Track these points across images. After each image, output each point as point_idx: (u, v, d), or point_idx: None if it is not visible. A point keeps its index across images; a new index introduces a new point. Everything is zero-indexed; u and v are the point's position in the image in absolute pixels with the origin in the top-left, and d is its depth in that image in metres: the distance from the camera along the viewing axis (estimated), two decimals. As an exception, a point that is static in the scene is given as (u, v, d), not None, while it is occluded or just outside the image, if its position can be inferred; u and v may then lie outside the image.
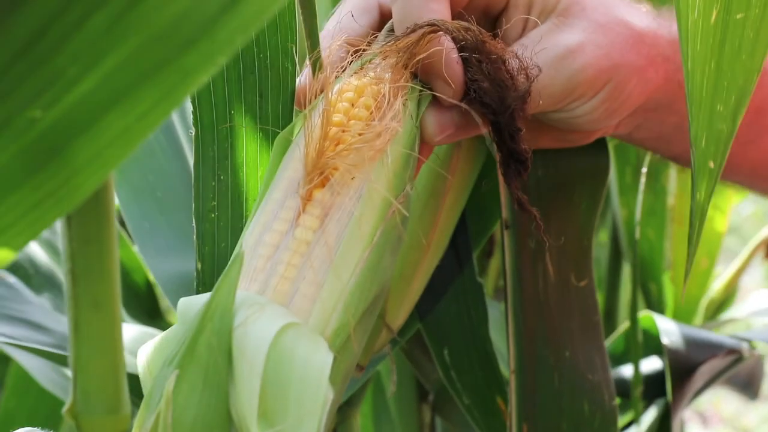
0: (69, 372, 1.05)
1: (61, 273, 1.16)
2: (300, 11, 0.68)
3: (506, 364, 0.94)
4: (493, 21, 0.78)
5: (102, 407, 0.58)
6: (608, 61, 0.73)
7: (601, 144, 0.92)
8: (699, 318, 1.66)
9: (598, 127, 0.79)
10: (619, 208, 1.46)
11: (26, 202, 0.38)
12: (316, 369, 0.57)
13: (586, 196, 0.91)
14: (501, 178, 0.86)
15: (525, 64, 0.70)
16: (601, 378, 0.91)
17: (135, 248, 1.25)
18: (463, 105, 0.69)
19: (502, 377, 0.96)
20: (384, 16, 0.75)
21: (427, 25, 0.67)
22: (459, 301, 0.94)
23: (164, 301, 1.31)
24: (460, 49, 0.69)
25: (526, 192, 0.84)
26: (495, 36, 0.71)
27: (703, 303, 1.66)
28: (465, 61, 0.69)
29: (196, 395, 0.56)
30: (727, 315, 1.67)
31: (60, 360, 0.98)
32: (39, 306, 1.02)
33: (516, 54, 0.71)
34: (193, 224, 0.72)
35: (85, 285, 0.57)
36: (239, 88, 0.70)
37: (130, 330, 1.06)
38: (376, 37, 0.72)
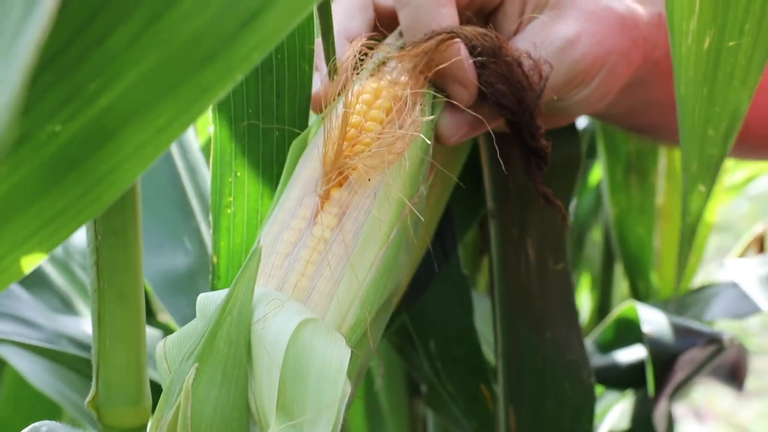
0: (64, 371, 1.02)
1: (53, 272, 1.13)
2: (316, 13, 0.67)
3: (493, 351, 0.93)
4: (486, 16, 0.78)
5: (124, 398, 0.57)
6: (601, 48, 0.73)
7: (573, 138, 0.94)
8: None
9: (591, 110, 0.80)
10: (610, 206, 1.45)
11: (46, 213, 0.38)
12: (334, 363, 0.57)
13: (562, 185, 0.92)
14: (486, 170, 0.86)
15: (538, 62, 0.69)
16: (579, 357, 0.91)
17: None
18: (478, 115, 0.69)
19: (487, 365, 0.94)
20: (380, 15, 0.74)
21: (446, 32, 0.66)
22: (445, 293, 0.92)
23: (156, 302, 1.27)
24: (477, 54, 0.68)
25: (508, 181, 0.86)
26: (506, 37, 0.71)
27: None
28: (482, 66, 0.68)
29: (215, 388, 0.56)
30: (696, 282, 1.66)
31: (51, 356, 0.96)
32: (30, 303, 0.99)
33: (529, 54, 0.70)
34: (210, 219, 0.72)
35: (110, 277, 0.55)
36: (257, 88, 0.69)
37: None
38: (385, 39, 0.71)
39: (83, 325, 1.01)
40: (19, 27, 0.30)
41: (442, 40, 0.66)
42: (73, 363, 0.97)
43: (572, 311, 0.92)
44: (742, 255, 1.69)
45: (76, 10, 0.36)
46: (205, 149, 1.10)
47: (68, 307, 1.11)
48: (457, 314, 0.92)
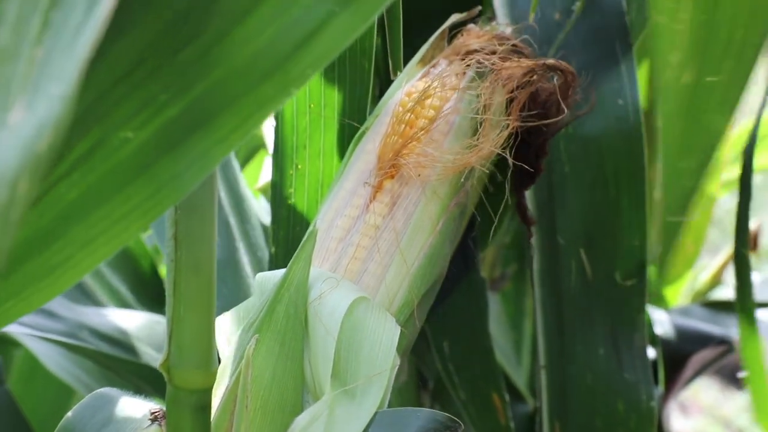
0: (79, 357, 0.97)
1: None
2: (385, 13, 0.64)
3: (505, 357, 0.86)
4: None
5: (194, 362, 0.55)
6: None
7: None
8: (684, 299, 1.58)
9: None
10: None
11: (114, 215, 0.37)
12: (386, 337, 0.56)
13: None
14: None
15: (572, 99, 0.67)
16: (639, 377, 0.79)
17: (143, 235, 1.19)
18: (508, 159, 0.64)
19: (500, 373, 0.85)
20: None
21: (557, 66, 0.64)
22: (462, 295, 0.83)
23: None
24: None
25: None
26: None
27: (688, 288, 1.59)
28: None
29: (273, 358, 0.56)
30: (716, 295, 1.59)
31: (69, 349, 0.93)
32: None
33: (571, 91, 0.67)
34: (270, 209, 0.70)
35: (187, 250, 0.53)
36: (319, 83, 0.68)
37: (138, 318, 1.01)
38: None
39: (104, 315, 0.99)
40: (78, 27, 0.29)
41: (546, 69, 0.64)
42: (89, 354, 0.93)
43: (639, 329, 0.80)
44: None
45: (152, 28, 0.35)
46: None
47: (86, 295, 1.08)
48: (473, 317, 0.84)
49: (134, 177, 0.36)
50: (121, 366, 0.93)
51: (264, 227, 0.92)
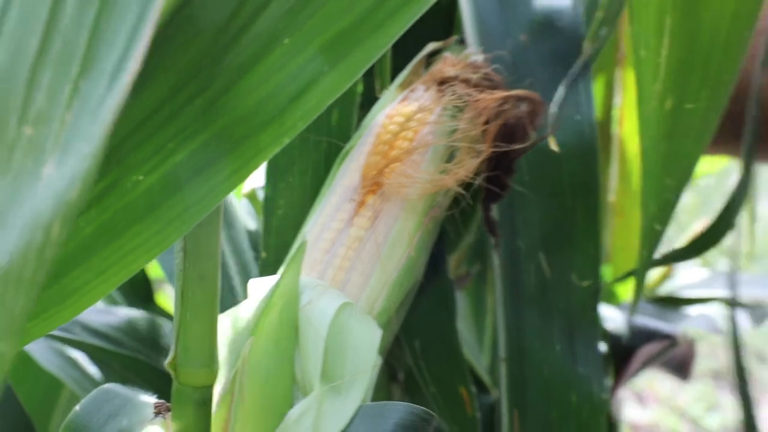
0: (71, 353, 1.00)
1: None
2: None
3: (471, 351, 0.88)
4: None
5: (198, 361, 0.58)
6: None
7: None
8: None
9: None
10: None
11: (124, 248, 0.40)
12: (368, 339, 0.59)
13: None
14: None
15: (537, 124, 0.70)
16: (592, 371, 0.83)
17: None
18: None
19: (466, 368, 0.86)
20: None
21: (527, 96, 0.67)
22: (432, 296, 0.84)
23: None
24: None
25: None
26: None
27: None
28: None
29: (267, 357, 0.59)
30: (664, 289, 1.61)
31: (64, 342, 0.94)
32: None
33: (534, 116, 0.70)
34: (262, 218, 0.73)
35: (194, 261, 0.55)
36: None
37: (126, 314, 1.02)
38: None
39: (96, 312, 1.00)
40: (103, 96, 0.32)
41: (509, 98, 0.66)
42: (83, 347, 0.95)
43: (593, 327, 0.83)
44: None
45: (163, 85, 0.38)
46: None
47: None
48: (442, 317, 0.85)
49: (143, 215, 0.39)
50: (113, 359, 0.96)
51: (248, 232, 0.95)
